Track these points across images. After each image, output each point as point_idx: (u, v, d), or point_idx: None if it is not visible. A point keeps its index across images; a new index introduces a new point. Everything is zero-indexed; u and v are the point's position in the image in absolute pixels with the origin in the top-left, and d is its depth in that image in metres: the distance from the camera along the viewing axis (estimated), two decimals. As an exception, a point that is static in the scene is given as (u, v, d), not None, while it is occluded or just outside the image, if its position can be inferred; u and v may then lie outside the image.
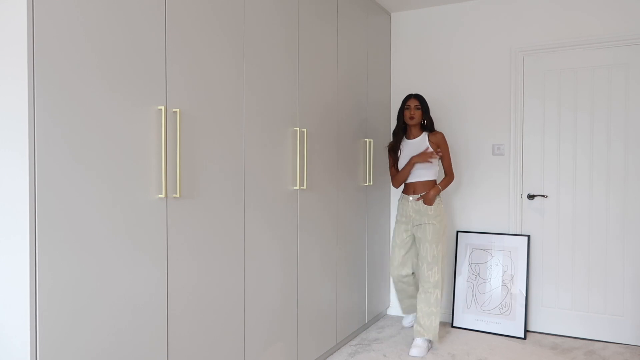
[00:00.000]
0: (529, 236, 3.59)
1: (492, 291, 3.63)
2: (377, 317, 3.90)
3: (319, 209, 3.00)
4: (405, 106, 3.33)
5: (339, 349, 3.26)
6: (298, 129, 2.75)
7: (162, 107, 1.85)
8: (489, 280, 3.65)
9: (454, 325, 3.72)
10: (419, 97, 3.32)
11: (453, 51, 3.86)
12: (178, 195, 1.91)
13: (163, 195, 1.86)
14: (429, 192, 3.24)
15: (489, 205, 3.75)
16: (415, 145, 3.33)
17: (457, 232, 3.81)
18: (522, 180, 3.65)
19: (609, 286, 3.40)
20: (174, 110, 1.91)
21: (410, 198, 3.32)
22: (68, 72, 1.54)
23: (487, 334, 3.58)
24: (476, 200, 3.79)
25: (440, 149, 3.28)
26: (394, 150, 3.40)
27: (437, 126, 3.93)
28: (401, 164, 3.35)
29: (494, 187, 3.73)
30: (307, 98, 2.85)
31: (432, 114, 3.96)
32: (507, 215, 3.69)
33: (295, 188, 2.75)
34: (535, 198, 3.61)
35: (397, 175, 3.36)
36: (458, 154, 3.84)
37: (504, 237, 3.66)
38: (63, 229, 1.53)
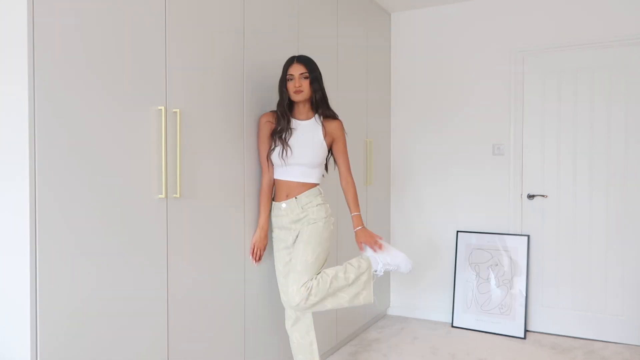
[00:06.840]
0: (528, 236, 3.59)
1: (492, 291, 3.63)
2: (377, 317, 3.90)
3: (319, 209, 3.00)
4: (288, 75, 2.32)
5: (339, 348, 3.26)
6: (298, 129, 2.75)
7: (162, 107, 1.85)
8: (489, 280, 3.66)
9: (454, 325, 3.72)
10: (305, 61, 2.32)
11: (453, 51, 3.86)
12: (178, 195, 1.91)
13: (163, 196, 1.86)
14: (362, 230, 2.40)
15: (489, 205, 3.75)
16: (305, 130, 2.36)
17: (457, 232, 3.81)
18: (522, 180, 3.65)
19: (609, 286, 3.40)
20: (174, 110, 1.91)
21: (283, 205, 2.35)
22: (68, 73, 1.54)
23: (487, 334, 3.58)
24: (476, 200, 3.79)
25: (334, 143, 2.43)
26: (278, 133, 2.33)
27: (438, 126, 3.92)
28: (288, 153, 2.31)
29: (494, 187, 3.73)
30: (307, 98, 2.85)
31: (432, 114, 3.94)
32: (507, 215, 3.69)
33: (295, 188, 2.75)
34: (535, 198, 3.61)
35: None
36: (458, 154, 3.84)
37: (504, 237, 3.66)
38: (63, 230, 1.53)
